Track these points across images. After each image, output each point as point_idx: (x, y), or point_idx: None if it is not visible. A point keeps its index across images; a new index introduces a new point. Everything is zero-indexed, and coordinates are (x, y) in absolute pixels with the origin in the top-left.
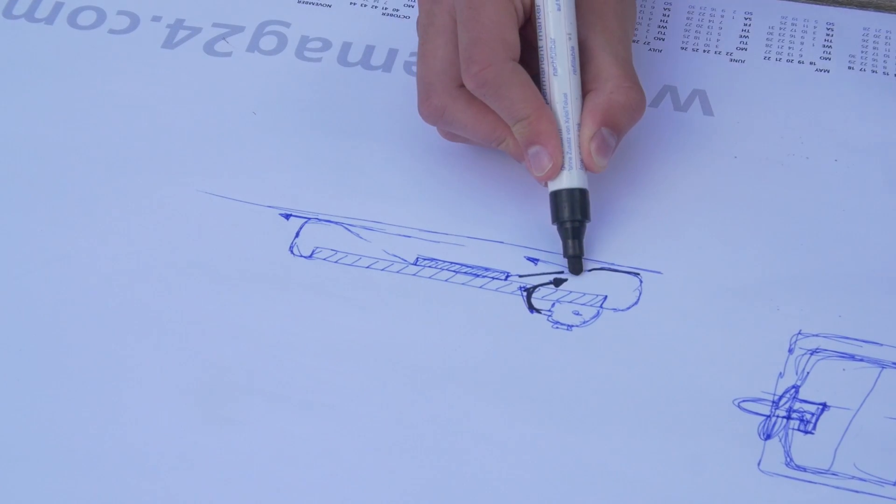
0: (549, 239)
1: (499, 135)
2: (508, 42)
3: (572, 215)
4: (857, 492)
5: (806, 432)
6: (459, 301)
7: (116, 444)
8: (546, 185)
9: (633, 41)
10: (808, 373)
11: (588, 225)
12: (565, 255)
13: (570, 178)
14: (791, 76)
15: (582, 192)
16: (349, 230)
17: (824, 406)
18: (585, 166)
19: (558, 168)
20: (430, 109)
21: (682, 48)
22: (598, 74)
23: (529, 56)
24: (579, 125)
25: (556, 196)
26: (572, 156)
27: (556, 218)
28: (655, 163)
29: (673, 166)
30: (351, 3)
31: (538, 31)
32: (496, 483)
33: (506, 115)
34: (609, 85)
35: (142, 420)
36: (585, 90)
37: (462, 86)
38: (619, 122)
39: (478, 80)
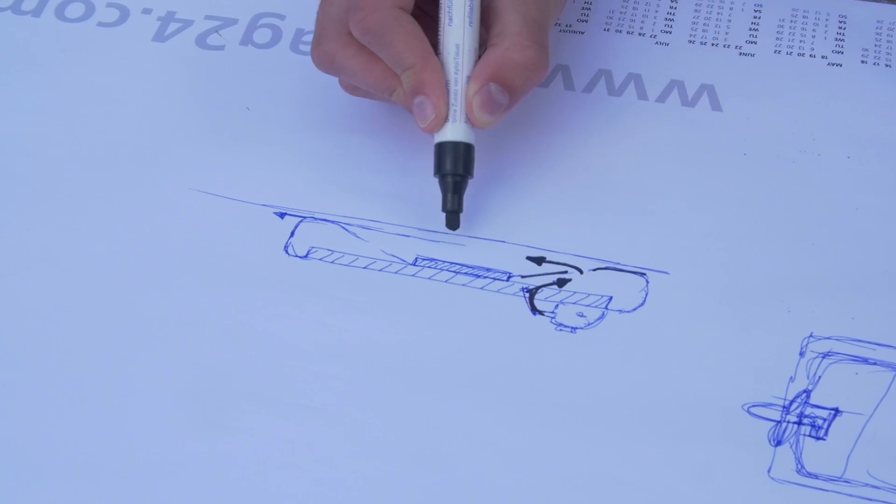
0: (553, 239)
1: (389, 84)
2: None
3: (454, 168)
4: (870, 500)
5: (817, 438)
6: (460, 302)
7: (107, 448)
8: (433, 136)
9: (640, 34)
10: (819, 377)
11: (591, 223)
12: (444, 209)
13: (454, 131)
14: (802, 70)
15: (466, 147)
16: (346, 229)
17: (836, 411)
18: (469, 121)
19: (441, 119)
20: (321, 55)
21: (690, 41)
22: (501, 32)
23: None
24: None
25: (439, 148)
26: (458, 108)
27: (438, 170)
28: (662, 160)
29: (680, 163)
30: None
31: None
32: (497, 489)
33: (392, 64)
34: (507, 41)
35: (133, 424)
36: (487, 48)
37: None
38: (511, 80)
39: (362, 26)
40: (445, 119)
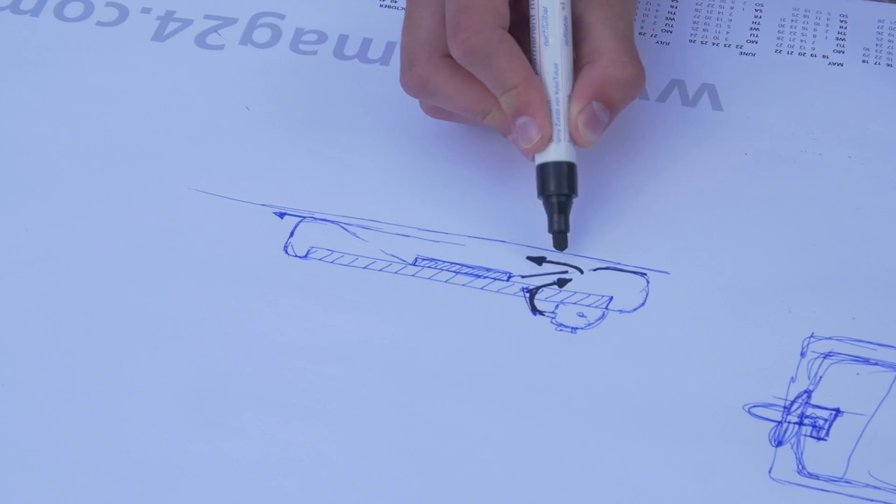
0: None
1: (484, 106)
2: (497, 10)
3: (559, 189)
4: (871, 500)
5: (819, 439)
6: (460, 303)
7: (106, 448)
8: (532, 158)
9: (640, 33)
10: (820, 377)
11: (593, 223)
12: (550, 230)
13: (557, 151)
14: (803, 70)
15: (570, 166)
16: (345, 229)
17: (837, 412)
18: (573, 140)
19: (546, 140)
20: (413, 80)
21: (691, 41)
22: (596, 48)
23: (524, 32)
24: (570, 98)
25: (542, 169)
26: (561, 128)
27: (542, 191)
28: (663, 159)
29: (681, 163)
30: None
31: None
32: (497, 490)
33: (493, 85)
34: (605, 59)
35: (131, 424)
36: (582, 64)
37: (446, 56)
38: (612, 97)
39: (465, 47)
40: (550, 139)
